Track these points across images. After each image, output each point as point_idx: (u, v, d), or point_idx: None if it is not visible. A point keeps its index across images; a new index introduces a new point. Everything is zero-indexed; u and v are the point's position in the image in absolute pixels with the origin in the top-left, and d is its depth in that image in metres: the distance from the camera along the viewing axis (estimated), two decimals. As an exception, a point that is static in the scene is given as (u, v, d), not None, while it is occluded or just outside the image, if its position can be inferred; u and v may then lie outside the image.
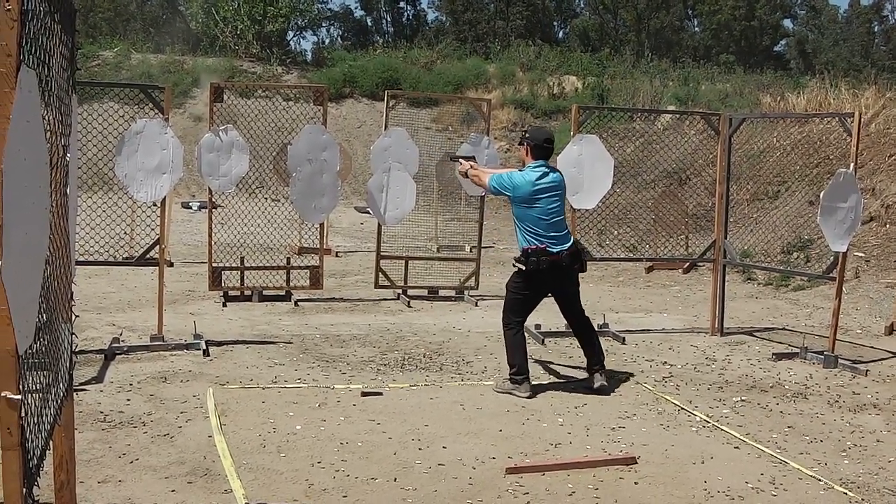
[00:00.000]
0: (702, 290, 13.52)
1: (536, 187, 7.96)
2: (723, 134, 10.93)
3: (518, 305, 8.21)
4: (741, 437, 7.03)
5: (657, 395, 8.13)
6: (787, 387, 8.72)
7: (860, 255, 14.57)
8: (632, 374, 8.87)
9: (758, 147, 17.95)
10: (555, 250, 7.93)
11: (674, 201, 15.10)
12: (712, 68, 39.34)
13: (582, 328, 8.49)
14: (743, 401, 8.13)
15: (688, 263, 15.03)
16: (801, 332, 10.88)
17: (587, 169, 10.41)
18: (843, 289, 12.64)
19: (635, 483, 6.00)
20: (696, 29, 74.72)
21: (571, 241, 8.15)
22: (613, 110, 19.31)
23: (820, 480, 6.23)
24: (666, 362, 9.43)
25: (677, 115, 19.30)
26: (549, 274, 7.97)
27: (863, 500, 5.94)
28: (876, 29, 76.30)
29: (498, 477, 5.96)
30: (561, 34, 72.87)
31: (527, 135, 8.35)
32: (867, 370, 9.43)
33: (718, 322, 10.88)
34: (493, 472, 6.04)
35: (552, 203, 8.02)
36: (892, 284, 12.52)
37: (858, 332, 11.57)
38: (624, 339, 10.29)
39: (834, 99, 20.96)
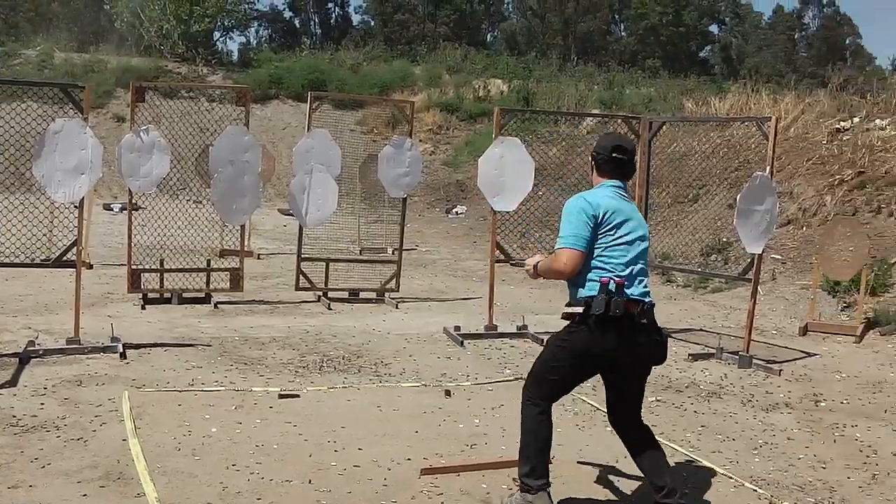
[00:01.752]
0: (623, 293, 13.70)
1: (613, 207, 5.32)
2: (643, 137, 11.06)
3: (553, 376, 5.45)
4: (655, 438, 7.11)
5: (573, 396, 8.16)
6: (702, 387, 8.86)
7: (777, 257, 14.81)
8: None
9: (679, 151, 18.16)
10: (636, 292, 5.21)
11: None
12: (637, 73, 39.73)
13: (645, 440, 5.56)
14: (658, 401, 8.24)
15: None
16: (718, 333, 11.04)
17: (508, 171, 10.48)
18: (760, 290, 12.90)
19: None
20: (623, 34, 75.45)
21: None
22: (536, 113, 19.50)
23: (731, 478, 6.35)
24: (584, 363, 9.49)
25: (600, 119, 19.49)
26: (621, 331, 5.14)
27: (772, 496, 6.06)
28: (797, 36, 77.61)
29: (413, 478, 5.98)
30: (489, 38, 73.21)
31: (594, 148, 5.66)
32: (780, 370, 9.63)
33: (636, 323, 10.96)
34: (409, 474, 6.06)
35: (636, 232, 5.35)
36: (807, 286, 12.73)
37: (774, 332, 11.78)
38: (543, 340, 10.32)
39: (755, 104, 21.32)
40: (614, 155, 5.48)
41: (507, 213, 11.12)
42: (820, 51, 76.36)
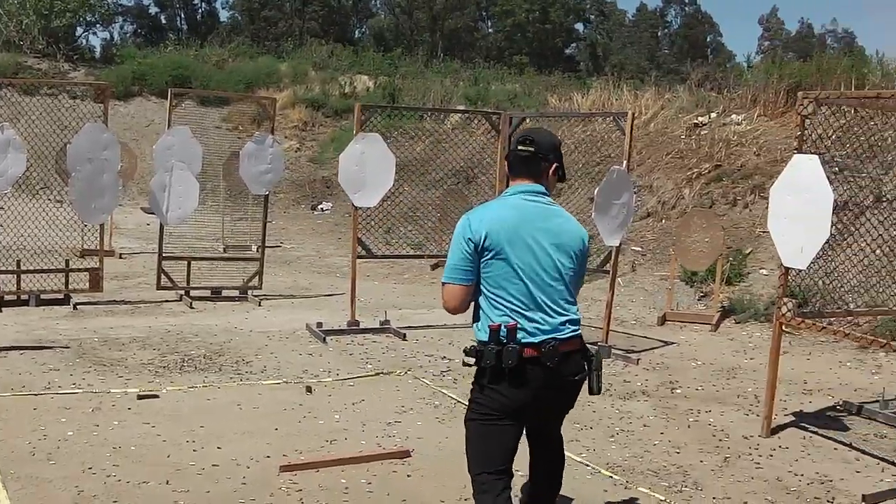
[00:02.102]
0: (486, 286, 13.84)
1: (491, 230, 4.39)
2: (503, 133, 11.20)
3: (482, 446, 4.54)
4: (514, 428, 7.23)
5: (434, 389, 8.28)
6: (561, 377, 9.00)
7: (637, 249, 15.13)
8: (410, 370, 8.99)
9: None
10: (530, 339, 4.34)
11: (459, 199, 15.29)
12: (503, 69, 40.10)
13: (549, 457, 4.93)
14: (516, 392, 8.35)
15: (472, 260, 15.28)
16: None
17: (369, 167, 10.51)
18: (621, 281, 13.20)
19: (408, 476, 6.13)
20: (490, 30, 76.05)
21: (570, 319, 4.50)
22: (396, 109, 19.53)
23: (587, 465, 6.50)
24: (445, 357, 9.61)
25: (465, 115, 19.62)
26: (523, 382, 4.35)
27: (627, 482, 6.23)
28: (660, 34, 79.23)
29: (272, 475, 5.98)
30: (357, 34, 73.07)
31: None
32: (639, 359, 9.87)
33: (498, 317, 11.09)
34: (268, 471, 6.06)
35: (537, 254, 4.43)
36: (665, 277, 13.04)
37: (633, 322, 12.05)
38: (405, 335, 10.41)
39: (616, 100, 21.65)
40: (519, 148, 4.55)
41: (372, 209, 11.16)
42: (682, 48, 78.16)
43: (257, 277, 12.81)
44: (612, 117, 11.89)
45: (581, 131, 18.80)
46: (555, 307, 4.40)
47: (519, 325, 4.30)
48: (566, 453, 6.10)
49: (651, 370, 9.58)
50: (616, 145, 16.46)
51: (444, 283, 4.48)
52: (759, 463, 6.82)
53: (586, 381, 4.54)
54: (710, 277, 12.67)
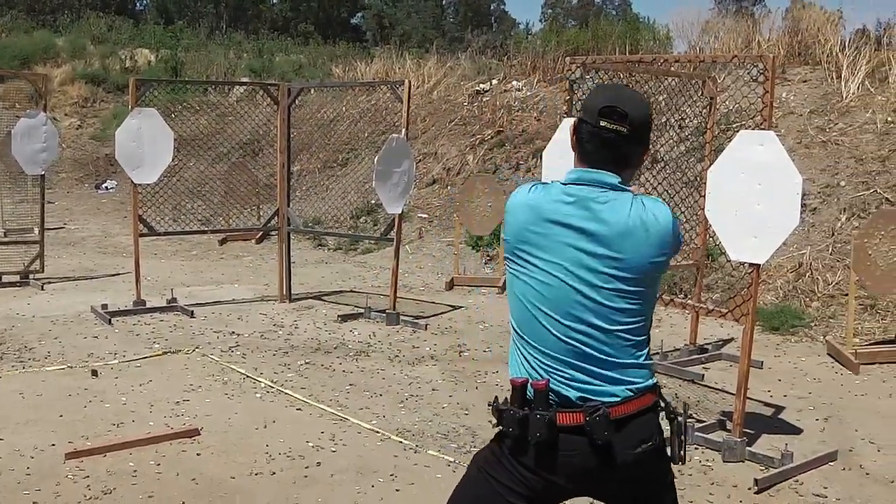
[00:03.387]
0: (274, 259, 13.68)
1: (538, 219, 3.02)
2: (282, 104, 11.15)
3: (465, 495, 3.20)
4: (304, 399, 7.28)
5: (223, 366, 8.24)
6: (350, 346, 9.10)
7: (424, 216, 15.35)
8: (198, 347, 8.92)
9: (328, 116, 18.44)
10: (568, 394, 3.00)
11: (245, 172, 15.22)
12: (287, 40, 39.77)
13: None
14: (307, 363, 8.41)
15: (261, 233, 15.26)
16: (367, 294, 11.36)
17: (147, 143, 10.30)
18: (409, 249, 13.40)
19: (198, 454, 6.09)
20: (276, 1, 75.15)
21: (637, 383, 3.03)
22: (171, 83, 19.25)
23: (378, 432, 6.59)
24: (234, 332, 9.55)
25: (250, 87, 19.46)
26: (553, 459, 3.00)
27: (417, 446, 6.34)
28: (445, 2, 79.81)
29: (58, 464, 5.84)
30: (139, 5, 71.07)
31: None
32: (427, 325, 10.03)
33: (286, 289, 11.13)
34: (53, 460, 5.91)
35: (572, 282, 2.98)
36: (452, 242, 13.26)
37: (422, 289, 12.23)
38: (193, 312, 10.27)
39: (400, 68, 21.81)
40: (602, 124, 2.97)
41: (157, 185, 11.00)
42: (466, 16, 78.91)
43: (38, 261, 12.42)
44: (389, 86, 11.98)
45: (366, 101, 18.91)
46: (595, 361, 3.05)
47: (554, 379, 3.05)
48: (356, 421, 6.21)
49: (440, 335, 9.75)
50: (400, 114, 16.63)
51: None
52: (543, 420, 7.02)
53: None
54: (495, 241, 12.95)
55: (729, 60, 7.15)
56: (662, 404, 3.11)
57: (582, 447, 2.96)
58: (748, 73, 6.65)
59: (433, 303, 11.32)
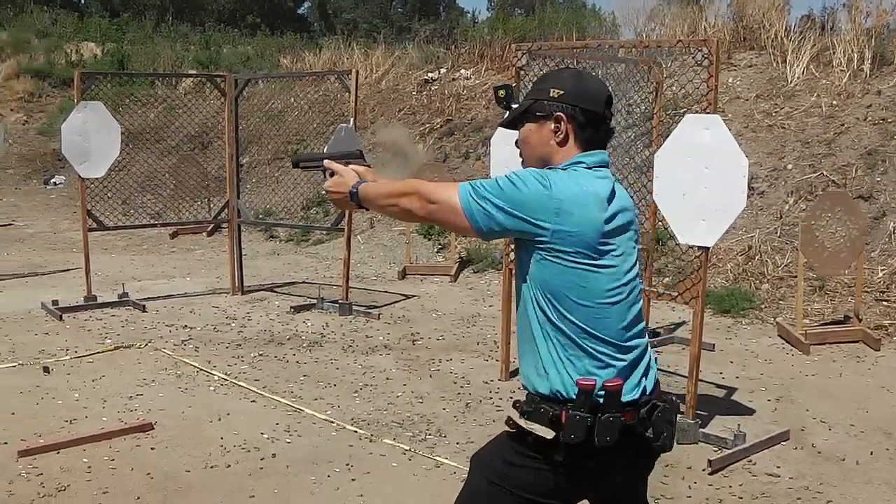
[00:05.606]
0: (225, 252, 13.67)
1: (610, 218, 2.91)
2: (229, 95, 11.09)
3: None
4: (257, 391, 7.29)
5: (176, 359, 8.21)
6: (303, 337, 9.11)
7: (375, 205, 15.31)
8: (151, 341, 8.87)
9: (277, 107, 18.35)
10: (631, 395, 2.91)
11: (194, 165, 15.14)
12: (234, 32, 39.53)
13: None
14: (260, 355, 8.41)
15: (212, 226, 15.18)
16: (319, 284, 11.37)
17: (93, 136, 10.22)
18: (360, 239, 13.40)
19: (152, 448, 6.08)
20: (221, -8, 74.66)
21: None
22: (116, 75, 19.08)
23: (333, 422, 6.61)
24: (186, 325, 9.52)
25: (198, 80, 19.36)
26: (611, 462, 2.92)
27: (372, 434, 6.37)
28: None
29: (10, 462, 5.80)
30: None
31: (553, 91, 2.98)
32: (380, 314, 10.06)
33: (238, 281, 11.11)
34: (5, 458, 5.87)
35: (629, 258, 2.99)
36: (404, 232, 13.26)
37: (374, 278, 12.24)
38: (144, 306, 10.21)
39: (348, 58, 21.73)
40: (607, 112, 3.02)
41: (106, 179, 10.94)
42: (414, 5, 78.81)
43: (-15, 259, 12.32)
44: (337, 76, 11.96)
45: (314, 91, 18.82)
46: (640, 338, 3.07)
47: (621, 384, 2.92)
48: (310, 412, 6.23)
49: (393, 324, 9.78)
50: (349, 104, 16.60)
51: (456, 186, 2.96)
52: (499, 406, 7.06)
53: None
54: (446, 230, 12.96)
55: (674, 45, 7.22)
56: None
57: (632, 442, 2.90)
58: (693, 59, 6.68)
59: (386, 292, 11.34)
